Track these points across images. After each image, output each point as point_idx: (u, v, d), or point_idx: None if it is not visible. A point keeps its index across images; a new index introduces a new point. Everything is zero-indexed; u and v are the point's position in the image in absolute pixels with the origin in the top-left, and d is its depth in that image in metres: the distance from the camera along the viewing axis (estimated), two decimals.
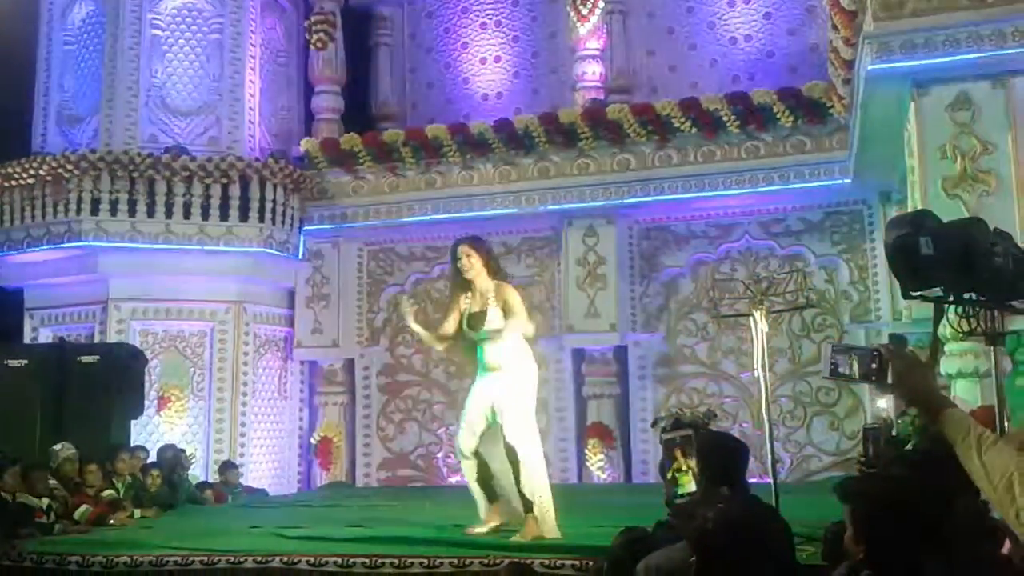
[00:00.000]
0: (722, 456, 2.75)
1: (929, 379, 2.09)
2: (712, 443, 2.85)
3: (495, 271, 5.61)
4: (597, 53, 10.41)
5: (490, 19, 11.67)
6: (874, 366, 2.09)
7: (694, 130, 9.43)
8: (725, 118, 9.31)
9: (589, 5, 10.12)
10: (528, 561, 4.59)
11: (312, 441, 10.53)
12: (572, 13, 10.27)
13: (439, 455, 10.52)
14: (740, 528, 1.91)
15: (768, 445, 5.15)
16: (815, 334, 9.50)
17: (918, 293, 3.73)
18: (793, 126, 9.19)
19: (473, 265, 5.56)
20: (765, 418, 5.26)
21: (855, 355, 2.11)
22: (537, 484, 5.36)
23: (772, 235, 9.78)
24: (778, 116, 9.17)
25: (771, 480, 5.10)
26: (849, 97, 8.08)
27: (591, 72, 10.39)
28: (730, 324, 9.43)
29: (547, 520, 5.32)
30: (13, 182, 9.57)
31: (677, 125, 9.46)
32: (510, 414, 5.44)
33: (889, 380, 2.05)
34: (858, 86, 7.01)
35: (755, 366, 5.35)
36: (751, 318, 5.34)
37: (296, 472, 10.58)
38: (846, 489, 2.06)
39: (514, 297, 5.51)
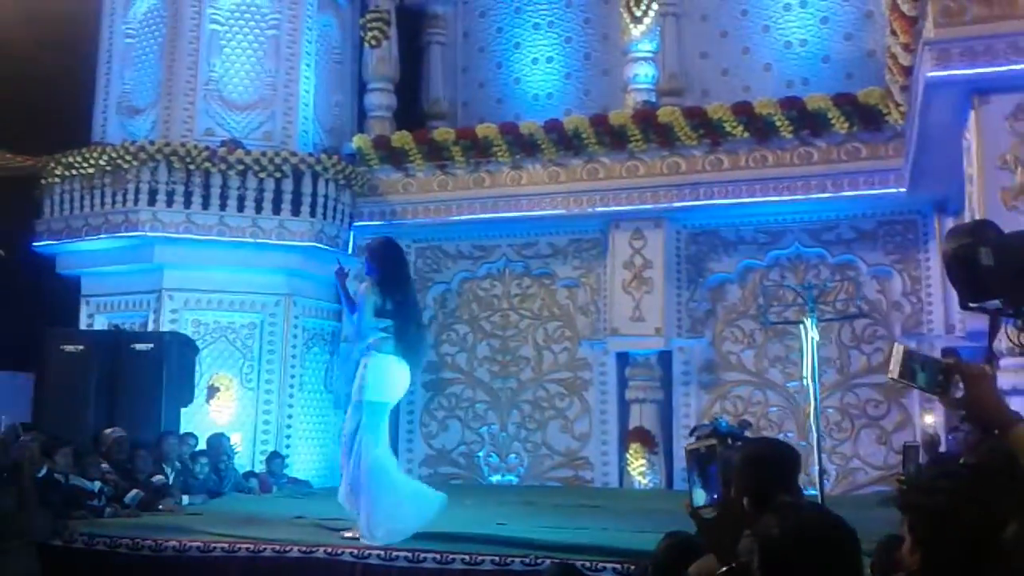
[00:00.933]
0: (775, 464, 2.72)
1: (997, 393, 2.06)
2: (764, 451, 2.81)
3: None
4: (649, 55, 10.36)
5: (543, 20, 11.68)
6: (940, 378, 2.05)
7: (746, 134, 9.35)
8: (778, 123, 9.22)
9: (643, 7, 10.08)
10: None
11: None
12: (625, 15, 10.24)
13: (480, 453, 10.56)
14: (808, 535, 1.87)
15: (815, 456, 5.08)
16: (865, 345, 9.36)
17: (976, 304, 3.66)
18: (848, 132, 9.06)
19: None
20: (813, 428, 5.20)
21: (926, 363, 2.07)
22: None
23: (823, 243, 9.65)
24: (833, 122, 9.05)
25: (817, 491, 5.04)
26: (906, 104, 7.95)
27: (643, 74, 10.35)
28: (777, 332, 9.36)
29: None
30: (74, 171, 9.80)
31: (729, 129, 9.38)
32: None
33: (956, 394, 2.02)
34: (916, 93, 6.89)
35: (803, 375, 5.30)
36: (801, 327, 5.27)
37: (340, 465, 10.68)
38: (907, 498, 2.03)
39: None
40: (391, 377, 5.59)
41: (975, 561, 1.90)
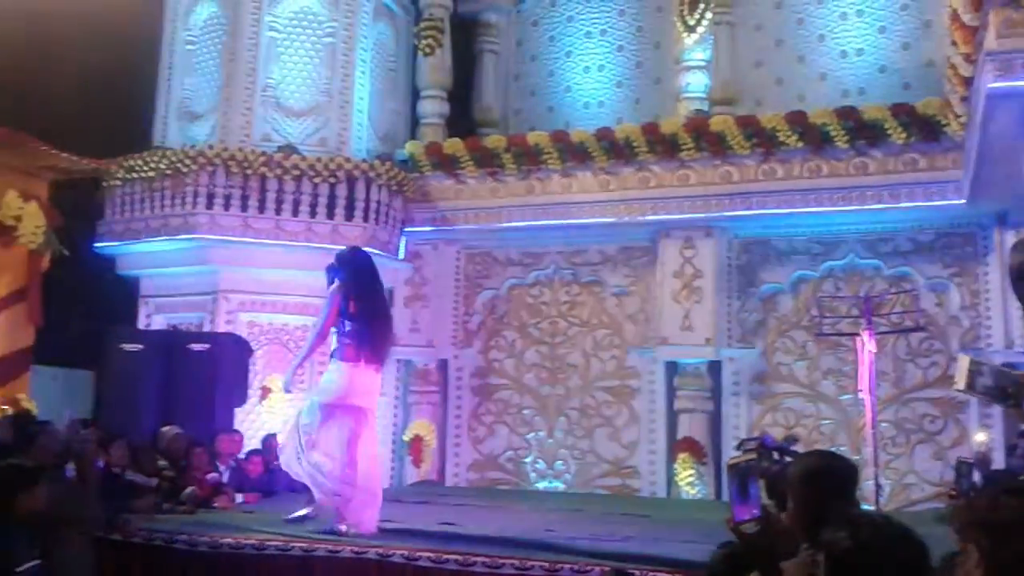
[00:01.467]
0: (833, 477, 2.69)
1: None
2: (822, 464, 2.79)
3: None
4: (702, 64, 10.33)
5: (595, 28, 11.70)
6: (1011, 389, 2.04)
7: (801, 144, 9.26)
8: (834, 133, 9.12)
9: (697, 16, 10.04)
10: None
11: (404, 439, 10.73)
12: (679, 24, 10.21)
13: (528, 459, 10.58)
14: (881, 546, 1.86)
15: (871, 471, 5.02)
16: (921, 359, 9.19)
17: None
18: (905, 143, 8.93)
19: None
20: (870, 442, 5.13)
21: (994, 374, 2.06)
22: None
23: (879, 254, 9.51)
24: (890, 132, 8.93)
25: (872, 508, 4.98)
26: (966, 115, 7.82)
27: (695, 83, 10.31)
28: (830, 344, 9.24)
29: None
30: (135, 174, 10.04)
31: (783, 139, 9.31)
32: None
33: None
34: (977, 104, 6.78)
35: (859, 388, 5.23)
36: (857, 339, 5.21)
37: (389, 468, 10.79)
38: (972, 515, 2.01)
39: None
40: (346, 383, 5.89)
41: None
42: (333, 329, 6.04)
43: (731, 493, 2.72)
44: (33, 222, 9.33)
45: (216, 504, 7.05)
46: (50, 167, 9.63)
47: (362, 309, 5.92)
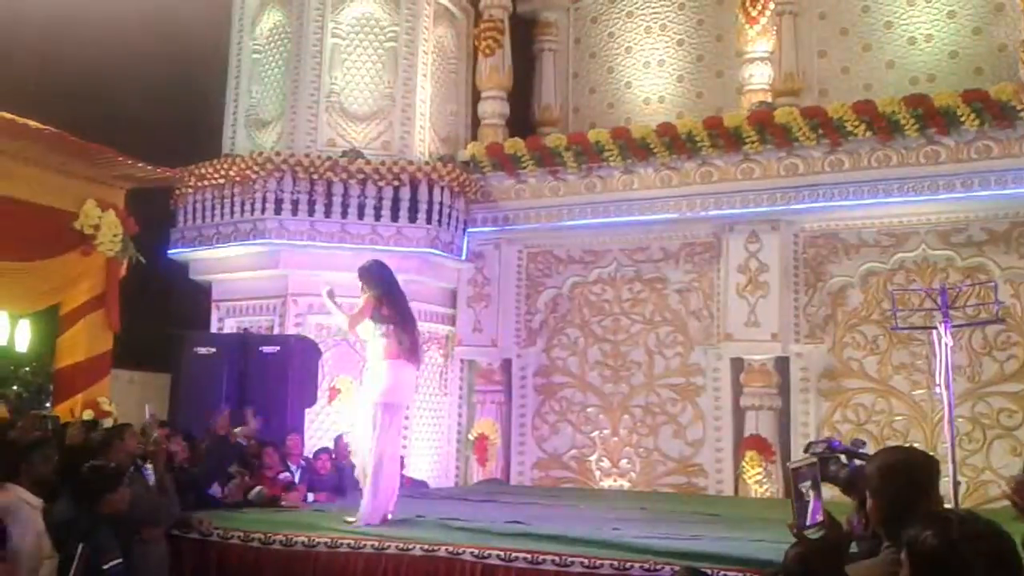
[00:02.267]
0: (915, 472, 2.62)
1: None
2: (902, 458, 2.72)
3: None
4: (765, 55, 10.18)
5: (655, 23, 11.62)
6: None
7: (868, 134, 9.07)
8: (903, 121, 8.90)
9: (759, 6, 9.91)
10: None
11: (469, 437, 10.81)
12: (741, 15, 10.09)
13: (592, 457, 10.57)
14: (970, 545, 1.82)
15: (949, 468, 4.89)
16: (997, 352, 8.92)
17: None
18: (978, 130, 8.68)
19: None
20: (948, 438, 5.01)
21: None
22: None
23: (952, 245, 9.26)
24: (962, 119, 8.68)
25: (951, 505, 4.86)
26: None
27: (758, 75, 10.18)
28: (902, 338, 9.03)
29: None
30: (206, 182, 10.31)
31: (850, 129, 9.12)
32: None
33: None
34: None
35: (937, 383, 5.10)
36: (933, 333, 5.08)
37: (454, 467, 10.89)
38: None
39: None
40: (390, 380, 6.20)
41: None
42: (376, 332, 6.32)
43: (793, 498, 2.68)
44: (111, 230, 9.65)
45: (284, 503, 7.18)
46: (126, 176, 9.94)
47: (394, 312, 6.34)
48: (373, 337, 6.32)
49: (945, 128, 8.80)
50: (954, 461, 5.06)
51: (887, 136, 9.02)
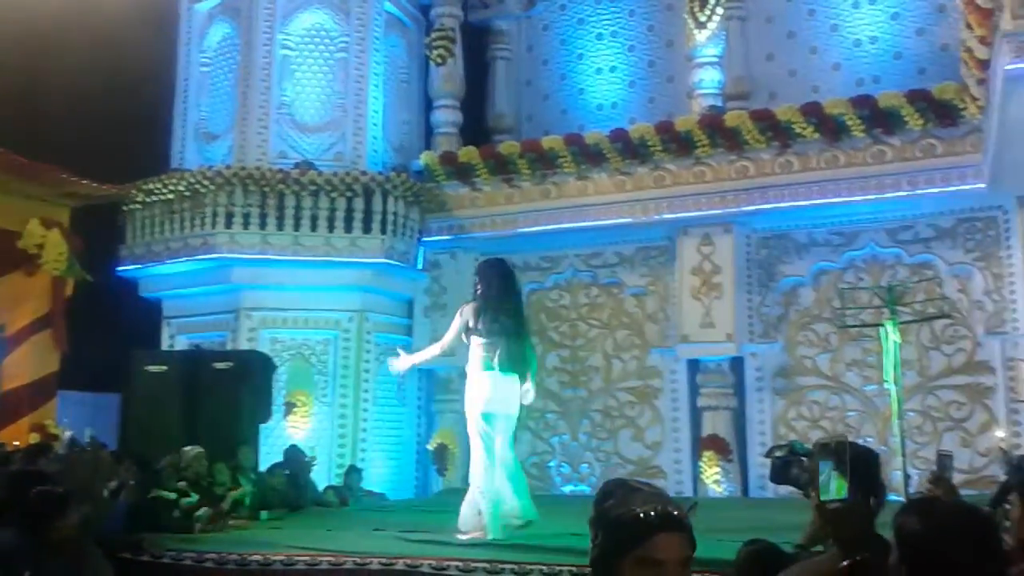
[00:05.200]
0: (857, 468, 2.66)
1: None
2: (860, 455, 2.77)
3: None
4: (715, 60, 10.28)
5: (606, 30, 11.69)
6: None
7: (817, 135, 9.19)
8: (850, 122, 9.04)
9: (708, 12, 9.99)
10: None
11: (428, 448, 10.74)
12: (690, 21, 10.17)
13: (552, 463, 10.56)
14: (951, 529, 1.83)
15: (899, 460, 4.96)
16: (945, 346, 9.08)
17: None
18: (923, 129, 8.83)
19: None
20: (897, 432, 5.07)
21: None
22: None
23: (900, 243, 9.41)
24: (907, 119, 8.83)
25: (901, 497, 4.92)
26: (984, 98, 7.73)
27: (708, 79, 10.27)
28: (853, 335, 9.14)
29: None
30: (154, 197, 10.15)
31: (799, 131, 9.24)
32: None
33: None
34: (995, 87, 6.70)
35: (885, 378, 5.17)
36: (881, 329, 5.15)
37: (413, 478, 10.81)
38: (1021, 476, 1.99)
39: None
40: (482, 391, 6.04)
41: None
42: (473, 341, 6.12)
43: (819, 472, 2.67)
44: (56, 249, 9.47)
45: (233, 524, 7.02)
46: (70, 194, 9.78)
47: (486, 320, 6.03)
48: (472, 346, 6.14)
49: (890, 128, 8.94)
50: (904, 454, 5.12)
51: (834, 137, 9.15)
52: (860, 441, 8.80)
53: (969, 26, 7.21)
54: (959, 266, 9.15)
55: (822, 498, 2.48)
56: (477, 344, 6.05)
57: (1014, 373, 8.63)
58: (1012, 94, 6.28)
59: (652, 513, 1.66)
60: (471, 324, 6.02)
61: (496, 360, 5.96)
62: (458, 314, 6.17)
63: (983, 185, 8.44)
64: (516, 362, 6.06)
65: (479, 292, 6.17)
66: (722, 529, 6.00)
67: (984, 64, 7.23)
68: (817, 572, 2.53)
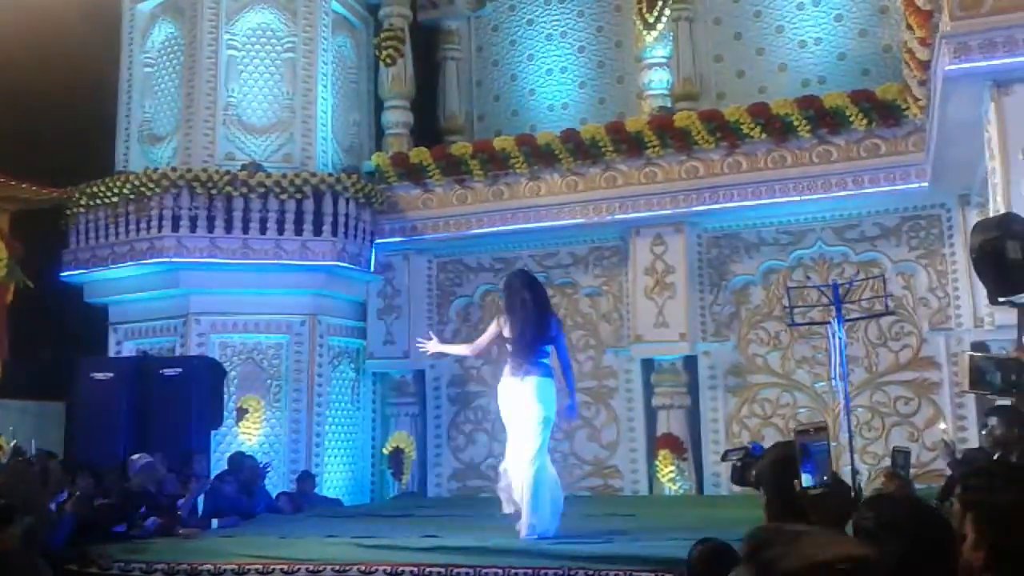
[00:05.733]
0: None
1: None
2: (790, 452, 2.80)
3: None
4: (663, 61, 10.36)
5: (556, 30, 11.72)
6: (1014, 377, 2.04)
7: (764, 136, 9.31)
8: (796, 123, 9.17)
9: (655, 13, 10.08)
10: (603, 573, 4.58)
11: (384, 452, 10.67)
12: (638, 22, 10.25)
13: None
14: (904, 526, 1.84)
15: (848, 456, 5.04)
16: (892, 342, 9.27)
17: (1004, 299, 3.62)
18: (867, 129, 9.00)
19: None
20: (845, 428, 5.16)
21: (998, 366, 2.06)
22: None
23: (846, 241, 9.58)
24: (851, 119, 9.00)
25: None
26: (925, 98, 7.89)
27: (657, 80, 10.35)
28: (803, 333, 9.29)
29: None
30: (98, 201, 9.92)
31: (746, 131, 9.35)
32: None
33: None
34: (935, 87, 6.84)
35: (832, 375, 5.26)
36: (828, 327, 5.23)
37: (369, 482, 10.72)
38: (969, 496, 2.00)
39: None
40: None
41: None
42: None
43: (799, 460, 2.70)
44: None
45: (182, 532, 6.88)
46: (10, 198, 9.52)
47: (515, 331, 6.17)
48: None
49: (836, 128, 9.09)
50: (852, 450, 5.21)
51: (781, 137, 9.27)
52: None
53: (910, 27, 7.35)
54: (904, 264, 9.35)
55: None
56: (507, 353, 6.28)
57: (958, 368, 8.83)
58: (951, 94, 6.42)
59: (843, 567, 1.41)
60: (504, 334, 6.23)
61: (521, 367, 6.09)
62: (493, 322, 6.43)
63: (926, 184, 8.63)
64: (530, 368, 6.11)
65: (505, 305, 6.41)
66: (677, 528, 6.07)
67: (925, 65, 7.38)
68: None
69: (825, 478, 2.58)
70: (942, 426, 8.29)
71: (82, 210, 10.04)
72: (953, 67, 6.07)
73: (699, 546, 3.43)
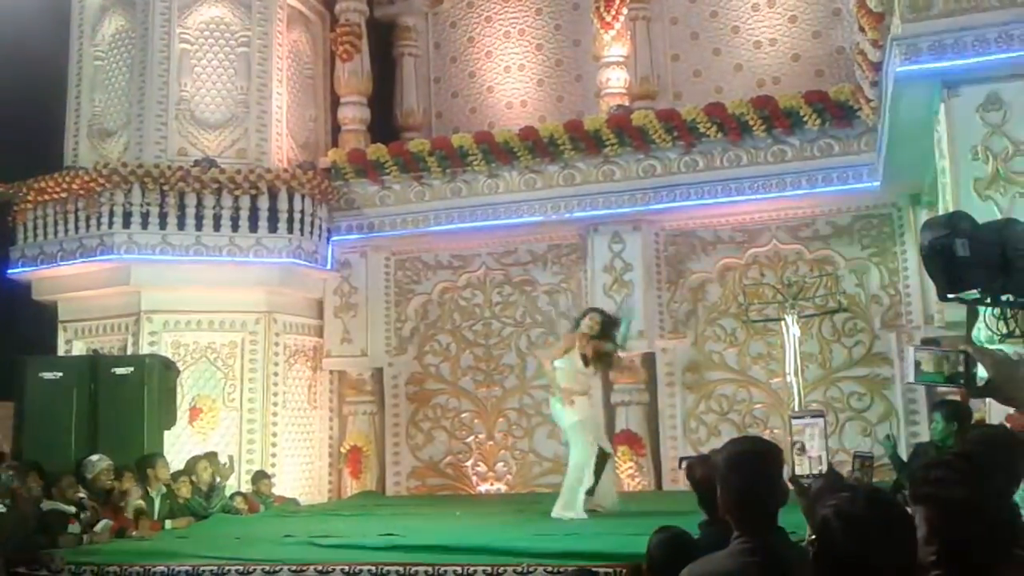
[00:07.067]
0: (757, 462, 2.71)
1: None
2: (746, 449, 2.79)
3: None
4: (621, 60, 10.42)
5: (513, 28, 11.72)
6: (961, 368, 2.07)
7: (720, 135, 9.40)
8: (751, 122, 9.28)
9: (613, 12, 10.13)
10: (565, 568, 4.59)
11: (342, 450, 10.58)
12: (596, 20, 10.29)
13: (468, 463, 10.53)
14: (865, 518, 1.85)
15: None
16: (846, 339, 9.42)
17: (954, 296, 3.69)
18: (820, 129, 9.14)
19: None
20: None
21: (943, 360, 2.09)
22: None
23: (800, 239, 9.72)
24: (805, 120, 9.12)
25: None
26: (877, 99, 8.03)
27: (615, 79, 10.40)
28: (759, 329, 9.41)
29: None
30: (47, 196, 9.69)
31: (703, 130, 9.43)
32: None
33: (980, 383, 2.03)
34: (886, 88, 6.96)
35: (787, 371, 5.32)
36: (782, 323, 5.30)
37: (327, 481, 10.63)
38: (921, 491, 2.03)
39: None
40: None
41: (992, 548, 1.91)
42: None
43: (792, 449, 2.71)
44: None
45: (135, 533, 6.77)
46: None
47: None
48: (584, 374, 7.78)
49: (790, 128, 9.22)
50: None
51: (737, 137, 9.37)
52: (767, 434, 9.06)
53: (862, 29, 7.47)
54: (856, 262, 9.51)
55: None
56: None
57: (905, 361, 9.00)
58: (901, 96, 6.54)
59: None
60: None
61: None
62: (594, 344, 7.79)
63: (877, 184, 8.78)
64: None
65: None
66: (636, 523, 6.10)
67: (876, 66, 7.51)
68: (718, 569, 2.58)
69: (821, 468, 2.60)
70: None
71: (30, 206, 9.81)
72: (903, 68, 6.17)
73: (658, 534, 3.45)
